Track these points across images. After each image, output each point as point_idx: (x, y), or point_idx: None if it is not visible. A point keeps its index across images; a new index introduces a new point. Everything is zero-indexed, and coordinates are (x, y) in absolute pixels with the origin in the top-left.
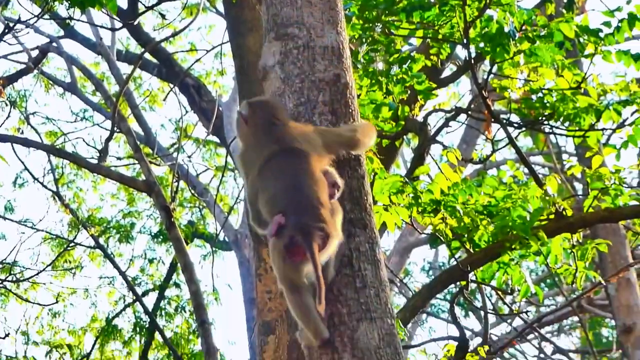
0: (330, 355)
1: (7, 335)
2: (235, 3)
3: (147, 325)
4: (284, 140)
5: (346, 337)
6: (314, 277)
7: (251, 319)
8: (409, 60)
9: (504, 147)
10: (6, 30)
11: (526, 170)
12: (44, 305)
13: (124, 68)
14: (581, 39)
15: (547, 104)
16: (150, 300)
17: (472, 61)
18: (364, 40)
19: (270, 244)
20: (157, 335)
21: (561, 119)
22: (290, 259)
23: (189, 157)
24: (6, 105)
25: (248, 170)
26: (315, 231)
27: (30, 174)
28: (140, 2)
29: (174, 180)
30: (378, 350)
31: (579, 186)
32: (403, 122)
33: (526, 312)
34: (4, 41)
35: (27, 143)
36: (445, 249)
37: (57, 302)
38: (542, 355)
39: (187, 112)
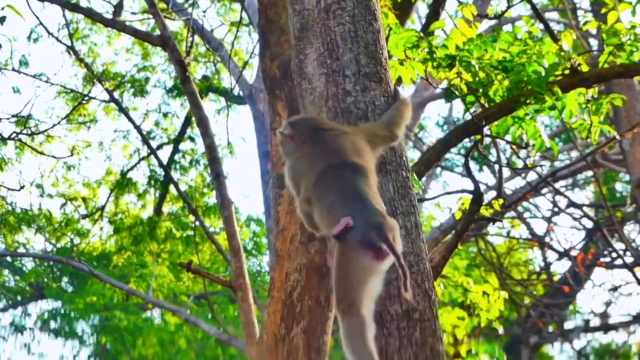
0: None
1: (22, 187)
2: None
3: (161, 179)
4: (336, 154)
5: None
6: (397, 265)
7: (266, 173)
8: None
9: (519, 2)
10: None
11: (541, 27)
12: (59, 158)
13: None
14: None
15: None
16: (164, 154)
17: None
18: None
19: (339, 249)
20: (171, 188)
21: None
22: (367, 258)
23: (204, 12)
24: None
25: (299, 182)
26: (387, 225)
27: (45, 28)
28: None
29: (189, 35)
30: (393, 202)
31: (594, 42)
32: None
33: (540, 166)
34: None
35: None
36: (459, 103)
37: (71, 155)
38: (556, 209)
39: None
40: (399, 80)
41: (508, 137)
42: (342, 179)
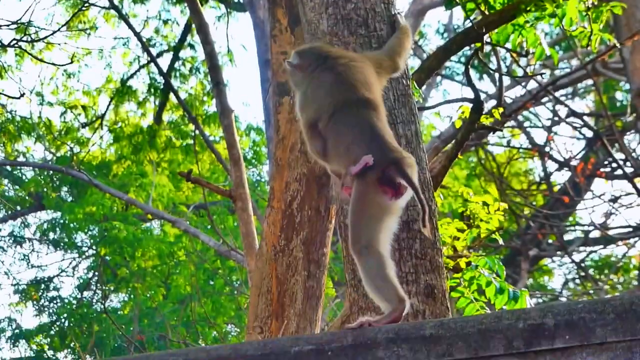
0: None
1: (22, 95)
2: None
3: (161, 87)
4: (350, 88)
5: None
6: (417, 200)
7: (266, 81)
8: None
9: None
10: None
11: None
12: (59, 65)
13: None
14: None
15: None
16: (164, 62)
17: None
18: None
19: (357, 188)
20: (171, 96)
21: None
22: (384, 196)
23: None
24: None
25: (312, 111)
26: (406, 161)
27: None
28: None
29: None
30: (393, 111)
31: None
32: None
33: (541, 75)
34: None
35: None
36: (460, 10)
37: (71, 62)
38: (556, 119)
39: None
40: None
41: (508, 45)
42: (358, 116)
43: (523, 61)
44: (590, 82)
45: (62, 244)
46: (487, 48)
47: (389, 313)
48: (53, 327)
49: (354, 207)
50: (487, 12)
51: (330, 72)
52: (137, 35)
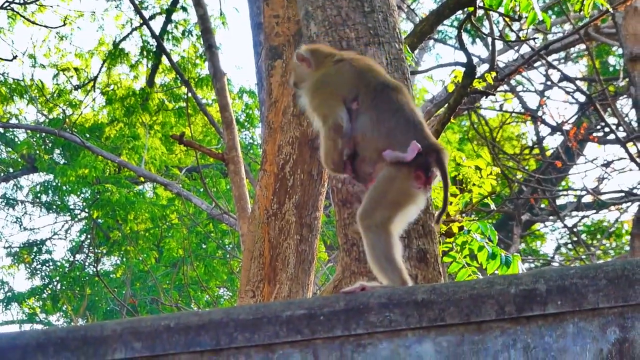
0: None
1: (14, 57)
2: None
3: (154, 49)
4: (380, 75)
5: None
6: (444, 195)
7: (258, 44)
8: None
9: None
10: None
11: None
12: (51, 27)
13: None
14: None
15: None
16: (157, 24)
17: None
18: None
19: (389, 169)
20: (164, 59)
21: None
22: (414, 182)
23: None
24: None
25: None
26: (445, 152)
27: None
28: None
29: None
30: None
31: None
32: None
33: (533, 39)
34: None
35: None
36: None
37: (64, 24)
38: (548, 83)
39: None
40: None
41: (501, 10)
42: (399, 102)
43: (516, 25)
44: (583, 46)
45: (54, 207)
46: (480, 12)
47: (389, 287)
48: (45, 290)
49: (381, 185)
50: None
51: (349, 64)
52: None
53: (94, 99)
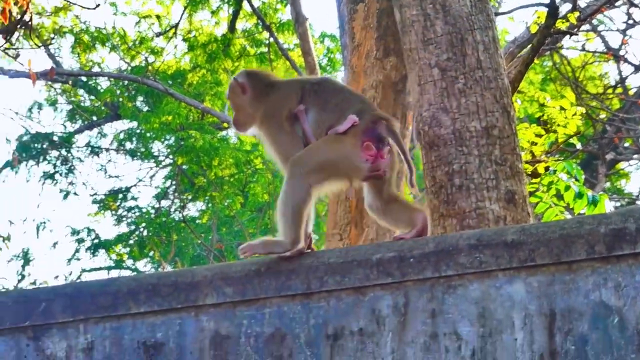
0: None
1: (97, 6)
2: None
3: None
4: (310, 77)
5: (438, 4)
6: (404, 160)
7: None
8: None
9: None
10: None
11: None
12: None
13: None
14: None
15: None
16: None
17: None
18: None
19: (342, 136)
20: (245, 4)
21: None
22: (362, 153)
23: None
24: None
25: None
26: (394, 121)
27: None
28: None
29: None
30: (470, 17)
31: None
32: None
33: None
34: None
35: None
36: None
37: None
38: (630, 21)
39: None
40: None
41: None
42: (338, 86)
43: None
44: None
45: (138, 154)
46: None
47: (279, 243)
48: (132, 237)
49: (326, 142)
50: None
51: (283, 83)
52: None
53: (175, 46)
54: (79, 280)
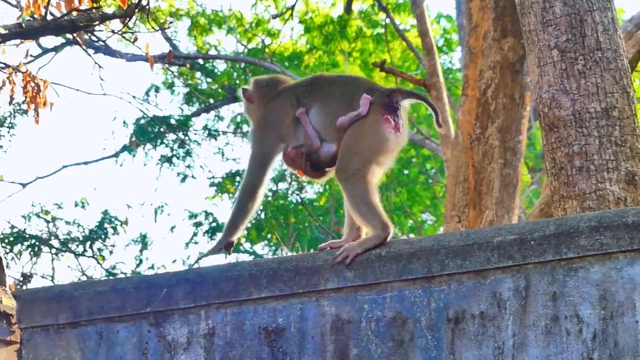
0: None
1: None
2: None
3: None
4: (303, 80)
5: None
6: (428, 105)
7: None
8: None
9: None
10: None
11: None
12: None
13: None
14: None
15: None
16: None
17: None
18: None
19: (358, 122)
20: None
21: None
22: (387, 124)
23: None
24: None
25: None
26: (403, 89)
27: None
28: None
29: None
30: None
31: None
32: None
33: None
34: None
35: None
36: None
37: None
38: None
39: None
40: None
41: None
42: (334, 77)
43: None
44: None
45: None
46: None
47: (372, 237)
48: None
49: (352, 136)
50: None
51: (282, 93)
52: None
53: (292, 28)
54: (198, 266)
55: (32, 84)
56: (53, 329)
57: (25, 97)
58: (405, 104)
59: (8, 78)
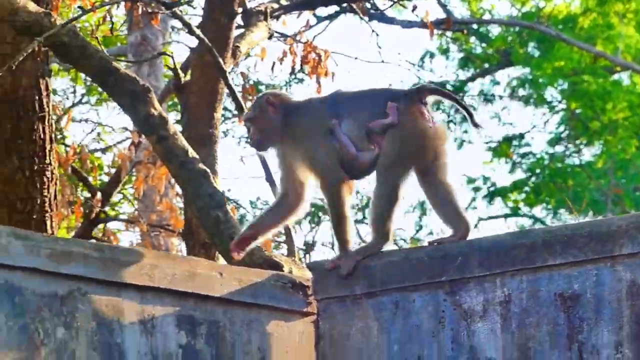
0: None
1: None
2: None
3: None
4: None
5: None
6: (461, 107)
7: None
8: None
9: None
10: None
11: None
12: None
13: None
14: None
15: None
16: None
17: None
18: None
19: (395, 129)
20: None
21: None
22: (422, 116)
23: None
24: None
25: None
26: (427, 85)
27: None
28: None
29: None
30: None
31: None
32: None
33: None
34: None
35: None
36: None
37: None
38: None
39: None
40: None
41: None
42: (348, 96)
43: None
44: None
45: (531, 100)
46: None
47: (374, 244)
48: (527, 183)
49: (391, 141)
50: None
51: (311, 104)
52: None
53: None
54: (492, 234)
55: (313, 54)
56: (349, 300)
57: (306, 67)
58: (431, 99)
59: (290, 49)
